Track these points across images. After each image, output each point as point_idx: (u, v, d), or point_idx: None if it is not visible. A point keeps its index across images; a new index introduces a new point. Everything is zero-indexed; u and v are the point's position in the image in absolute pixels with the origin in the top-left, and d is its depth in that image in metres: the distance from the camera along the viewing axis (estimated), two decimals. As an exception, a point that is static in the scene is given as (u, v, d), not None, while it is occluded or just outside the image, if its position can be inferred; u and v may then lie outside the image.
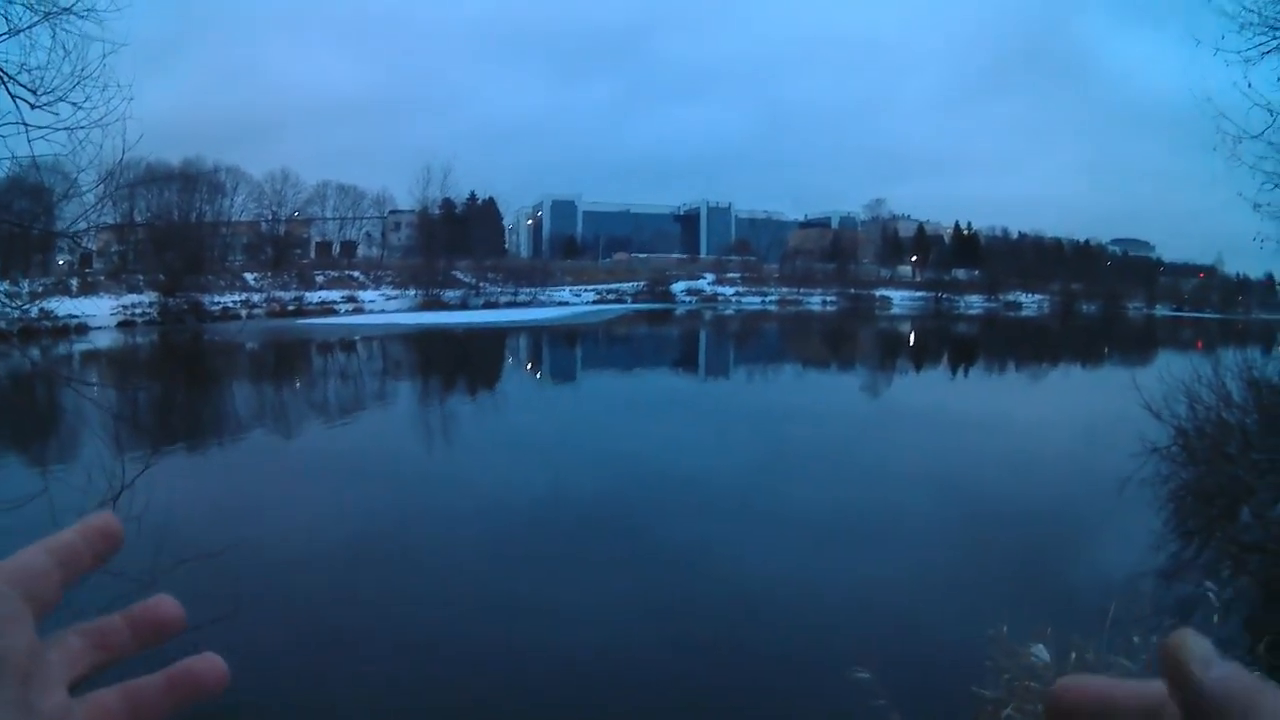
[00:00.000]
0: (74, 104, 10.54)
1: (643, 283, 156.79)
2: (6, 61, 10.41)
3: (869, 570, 14.87)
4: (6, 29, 10.37)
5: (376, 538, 17.30)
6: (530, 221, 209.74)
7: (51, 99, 10.51)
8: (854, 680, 6.83)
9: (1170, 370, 21.50)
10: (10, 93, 10.41)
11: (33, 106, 10.49)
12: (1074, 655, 6.39)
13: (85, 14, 10.40)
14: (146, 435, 25.14)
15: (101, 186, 12.22)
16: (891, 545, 16.54)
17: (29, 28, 10.37)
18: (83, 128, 10.59)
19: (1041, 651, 6.43)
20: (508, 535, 17.71)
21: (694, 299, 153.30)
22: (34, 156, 11.01)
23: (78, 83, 10.53)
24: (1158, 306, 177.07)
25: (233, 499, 20.37)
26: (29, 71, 10.48)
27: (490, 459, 25.87)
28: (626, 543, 17.19)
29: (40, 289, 74.60)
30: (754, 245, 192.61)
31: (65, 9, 10.36)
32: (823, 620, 12.80)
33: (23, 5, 10.32)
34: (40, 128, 10.53)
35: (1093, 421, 30.32)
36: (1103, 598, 7.87)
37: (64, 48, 10.47)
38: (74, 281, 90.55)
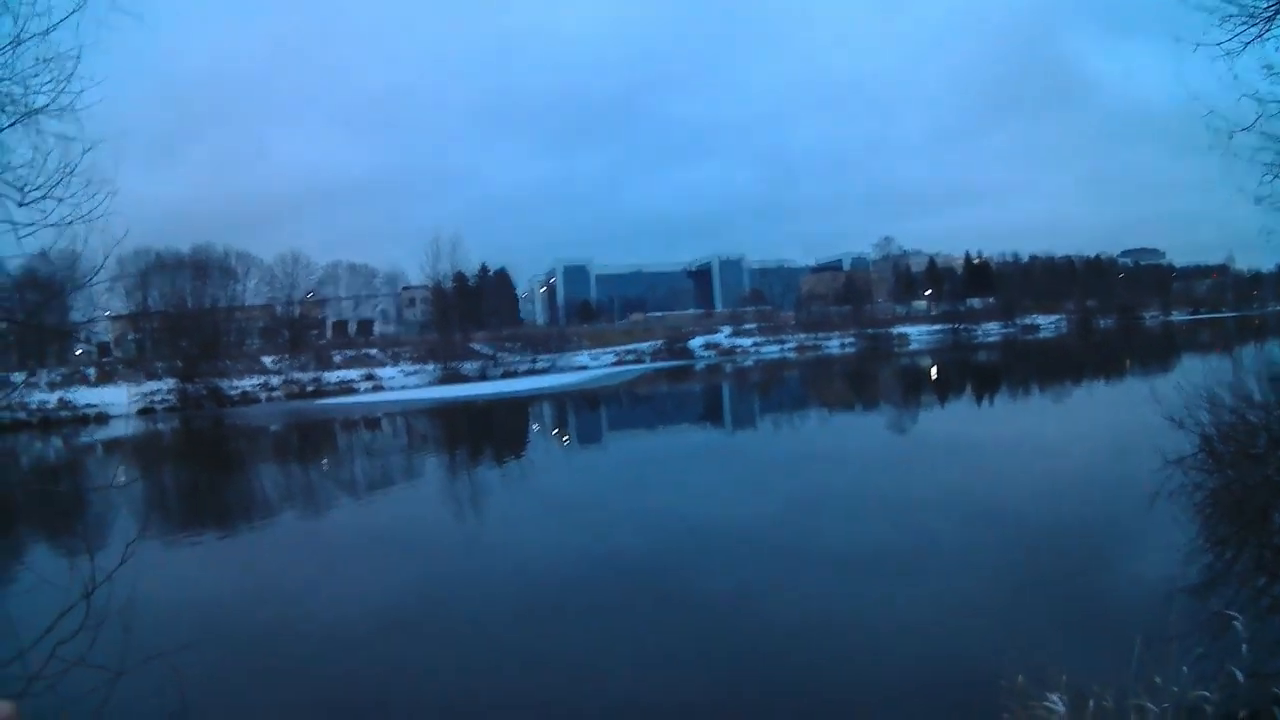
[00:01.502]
0: (59, 199, 10.55)
1: (660, 341, 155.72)
2: (-11, 164, 10.43)
3: (890, 610, 14.63)
4: (-14, 131, 10.38)
5: (418, 609, 17.24)
6: (544, 289, 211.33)
7: (38, 196, 10.52)
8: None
9: (1190, 377, 21.33)
10: (-3, 192, 10.42)
11: (19, 204, 10.49)
12: (1091, 704, 6.22)
13: (59, 113, 10.40)
14: (149, 521, 25.16)
15: (109, 279, 12.31)
16: (912, 577, 16.32)
17: (5, 128, 10.36)
18: (70, 223, 10.61)
19: (1057, 703, 6.27)
20: (547, 596, 17.52)
21: (712, 353, 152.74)
22: (24, 255, 11.05)
23: (60, 180, 10.53)
24: (1174, 312, 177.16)
25: (270, 578, 20.44)
26: (13, 170, 10.50)
27: (525, 524, 25.61)
28: (662, 597, 16.99)
29: (58, 379, 75.13)
30: (768, 294, 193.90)
31: (37, 110, 10.37)
32: (842, 666, 12.65)
33: (-1, 108, 10.33)
34: (28, 225, 10.54)
35: (1115, 437, 30.11)
36: (1131, 620, 7.75)
37: (43, 147, 10.49)
38: (92, 371, 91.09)
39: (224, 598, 18.76)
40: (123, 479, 38.87)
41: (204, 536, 25.98)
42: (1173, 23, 15.73)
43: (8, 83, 10.49)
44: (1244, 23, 14.52)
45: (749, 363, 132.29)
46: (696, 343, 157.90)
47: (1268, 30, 14.52)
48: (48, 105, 10.45)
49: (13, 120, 10.41)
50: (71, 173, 10.58)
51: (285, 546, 24.83)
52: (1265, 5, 14.49)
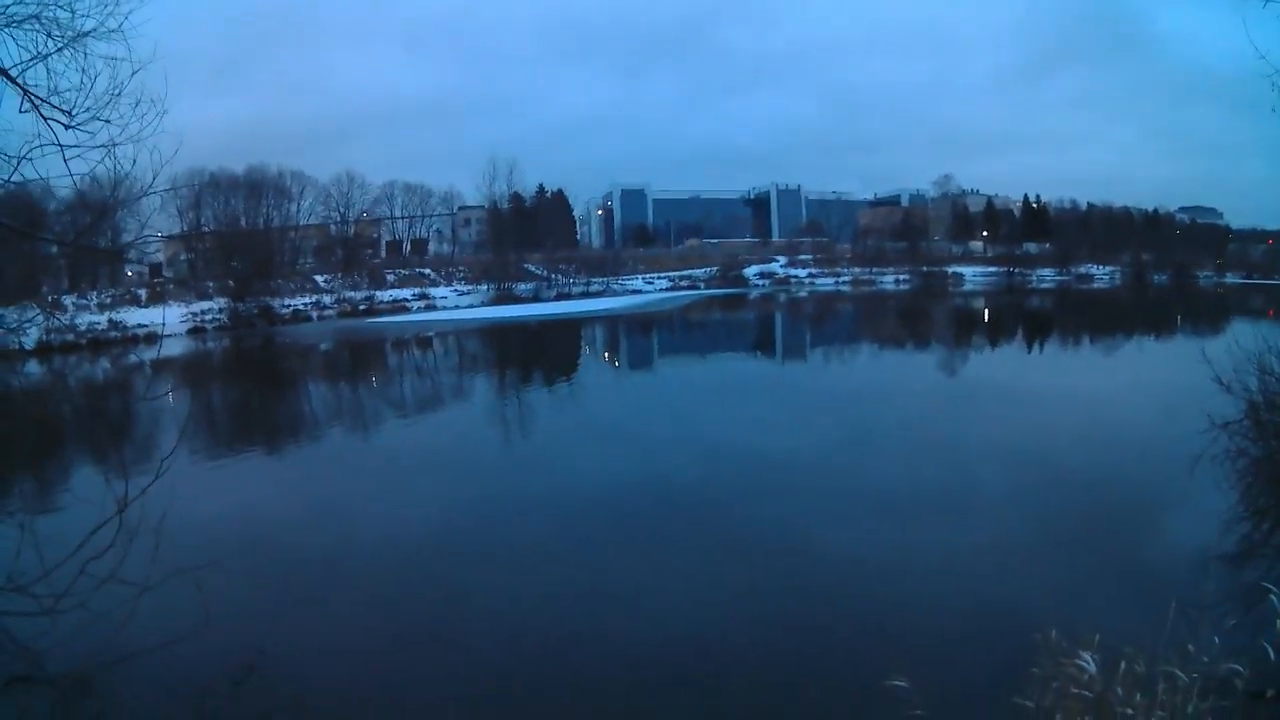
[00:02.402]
0: (106, 122, 10.56)
1: (715, 268, 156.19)
2: (37, 87, 10.42)
3: (925, 554, 14.67)
4: (34, 55, 10.36)
5: (454, 532, 17.45)
6: (600, 212, 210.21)
7: (84, 119, 10.54)
8: (890, 690, 6.64)
9: (1240, 340, 21.09)
10: (44, 115, 10.43)
11: (66, 127, 10.51)
12: (1123, 666, 6.15)
13: (107, 36, 10.38)
14: (184, 439, 25.28)
15: (161, 200, 12.41)
16: (950, 527, 16.31)
17: (55, 52, 10.37)
18: (117, 144, 10.62)
19: (1089, 662, 6.20)
20: (585, 520, 17.86)
21: (767, 282, 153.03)
22: (73, 175, 11.05)
23: (109, 102, 10.54)
24: (1228, 274, 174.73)
25: (307, 497, 20.66)
26: (60, 94, 10.50)
27: (576, 447, 26.04)
28: (699, 525, 17.26)
29: (109, 299, 75.43)
30: (825, 226, 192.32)
31: (86, 33, 10.36)
32: (868, 609, 12.69)
33: (45, 33, 10.31)
34: (75, 147, 10.56)
35: (1163, 395, 30.04)
36: (1166, 584, 7.68)
37: (91, 70, 10.48)
38: (143, 292, 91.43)
39: (256, 516, 18.95)
40: (159, 395, 39.09)
41: (243, 455, 26.17)
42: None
43: (53, 7, 10.48)
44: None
45: (803, 294, 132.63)
46: (751, 271, 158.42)
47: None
48: (95, 29, 10.43)
49: (60, 45, 10.41)
50: (119, 94, 10.62)
51: (325, 465, 25.11)
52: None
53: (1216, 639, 6.46)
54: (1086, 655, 6.21)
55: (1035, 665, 6.45)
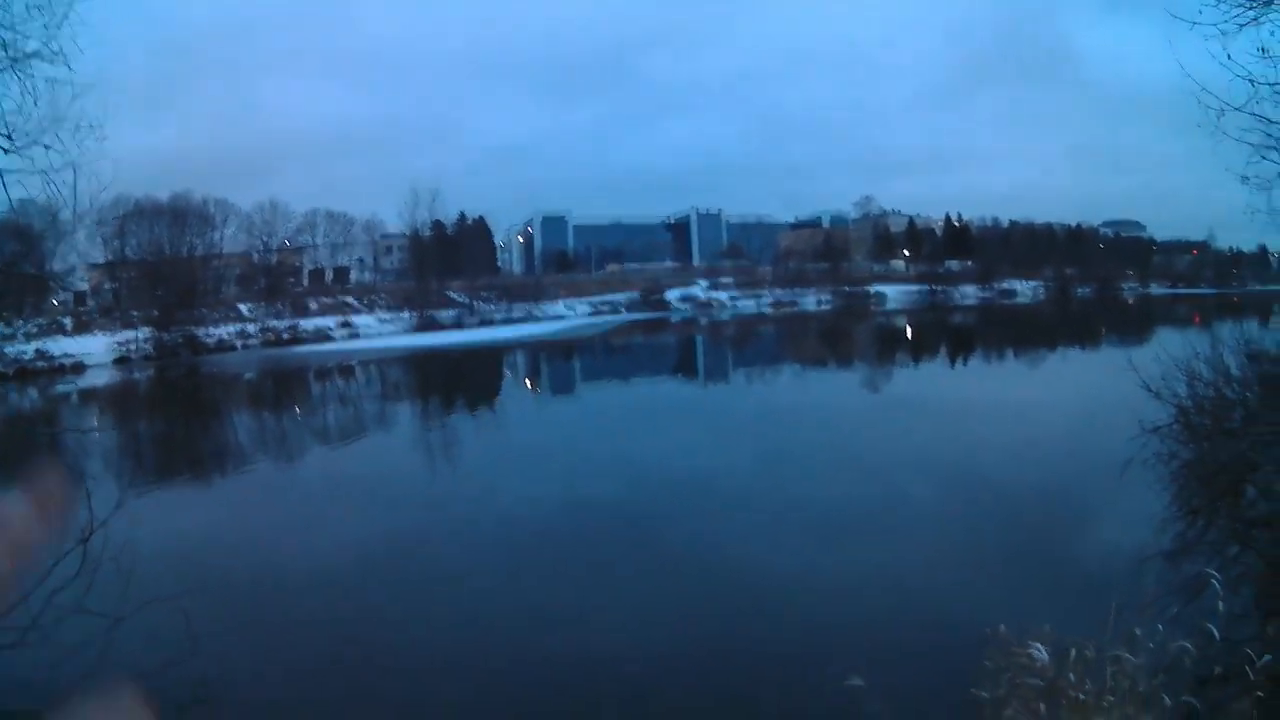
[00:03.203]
0: (46, 146, 10.52)
1: (637, 293, 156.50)
2: (-25, 109, 10.40)
3: (869, 561, 14.88)
4: (-24, 76, 10.35)
5: (388, 557, 17.34)
6: (521, 238, 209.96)
7: (25, 143, 10.49)
8: (847, 689, 6.76)
9: (1167, 348, 21.45)
10: (-15, 139, 10.40)
11: (6, 152, 10.47)
12: (1073, 653, 6.30)
13: (51, 58, 10.38)
14: (134, 472, 25.17)
15: (86, 225, 12.32)
16: (889, 537, 16.52)
17: (-2, 74, 10.34)
18: (57, 170, 10.58)
19: (1041, 651, 6.35)
20: (513, 545, 17.71)
21: (689, 306, 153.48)
22: (12, 201, 11.02)
23: (49, 126, 10.51)
24: (1152, 285, 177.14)
25: (245, 525, 20.47)
26: (1, 117, 10.47)
27: (497, 474, 25.90)
28: (627, 546, 17.32)
29: (35, 329, 74.67)
30: (746, 249, 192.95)
31: (30, 54, 10.33)
32: (817, 620, 12.75)
33: (-10, 53, 10.31)
34: (14, 172, 10.52)
35: (1091, 403, 30.33)
36: (1106, 583, 7.84)
37: (33, 92, 10.45)
38: (68, 321, 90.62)
39: (207, 546, 18.74)
40: (97, 427, 38.87)
41: (181, 486, 25.99)
42: (1168, 1, 15.77)
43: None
44: (1240, 4, 14.58)
45: (725, 316, 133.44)
46: (673, 295, 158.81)
47: (1264, 14, 14.59)
48: (39, 50, 10.41)
49: (3, 66, 10.38)
50: (60, 119, 10.56)
51: (259, 497, 24.85)
52: (1263, -12, 14.57)
53: (1160, 626, 6.64)
54: (1037, 645, 6.37)
55: (987, 659, 6.59)
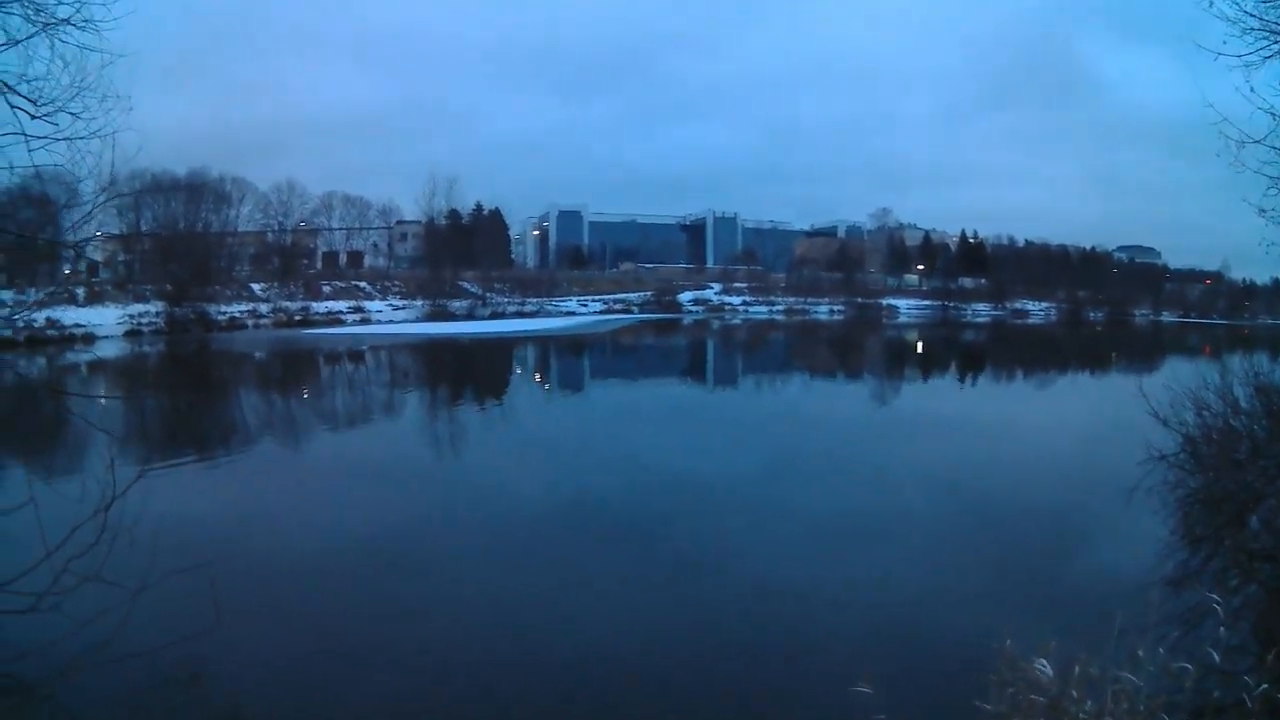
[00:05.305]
0: (73, 114, 10.53)
1: (649, 293, 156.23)
2: (5, 72, 10.39)
3: (874, 578, 14.74)
4: (5, 40, 10.34)
5: (388, 545, 17.15)
6: (536, 232, 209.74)
7: (51, 110, 10.51)
8: (855, 696, 6.75)
9: (1177, 377, 21.45)
10: (10, 104, 10.41)
11: (32, 117, 10.50)
12: (1077, 670, 6.30)
13: (83, 25, 10.38)
14: (148, 445, 25.15)
15: (103, 195, 12.23)
16: (898, 552, 16.42)
17: (27, 39, 10.34)
18: (82, 138, 10.57)
19: (1045, 667, 6.35)
20: (514, 538, 17.58)
21: (701, 309, 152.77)
22: (36, 167, 11.02)
23: (76, 93, 10.52)
24: (1164, 313, 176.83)
25: (241, 507, 20.33)
26: (29, 82, 10.47)
27: (502, 468, 25.56)
28: (631, 545, 17.25)
29: (45, 298, 74.60)
30: (760, 255, 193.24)
31: (63, 20, 10.34)
32: (825, 630, 12.63)
33: (21, 16, 10.29)
34: (40, 138, 10.53)
35: (1100, 429, 30.41)
36: (1109, 606, 7.81)
37: (62, 59, 10.46)
38: (81, 291, 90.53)
39: (206, 523, 18.65)
40: (104, 397, 38.76)
41: (189, 461, 25.86)
42: (1191, 26, 15.73)
43: (34, -7, 10.45)
44: (1265, 37, 14.55)
45: (737, 321, 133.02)
46: (686, 297, 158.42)
47: (1290, 47, 14.58)
48: (71, 16, 10.41)
49: (35, 30, 10.37)
50: (87, 87, 10.56)
51: (264, 476, 24.49)
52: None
53: (1162, 650, 6.64)
54: (1042, 661, 6.37)
55: (991, 673, 6.59)
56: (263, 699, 10.44)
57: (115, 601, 10.64)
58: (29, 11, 10.31)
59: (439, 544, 17.55)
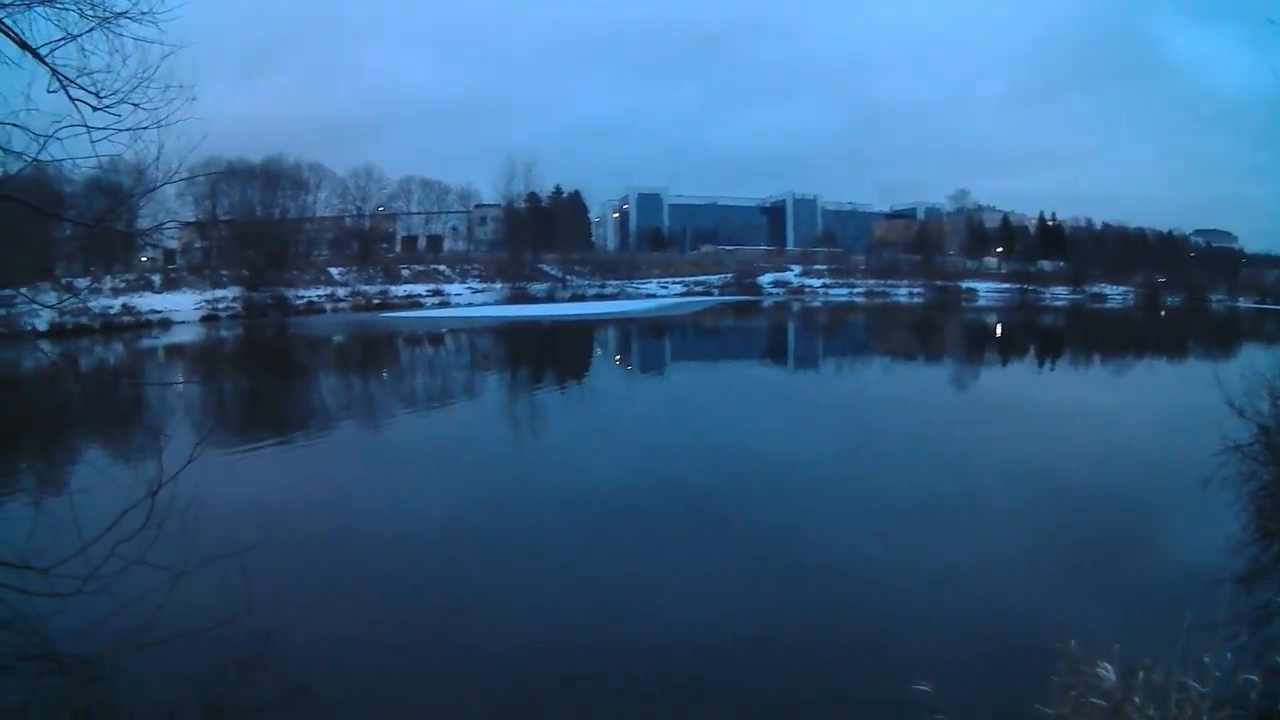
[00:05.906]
0: (135, 105, 10.54)
1: (729, 275, 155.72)
2: (66, 66, 10.40)
3: (942, 565, 14.69)
4: (63, 35, 10.35)
5: (473, 525, 17.52)
6: (616, 214, 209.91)
7: (113, 101, 10.52)
8: (914, 694, 6.66)
9: (1254, 365, 21.10)
10: (71, 96, 10.42)
11: (94, 109, 10.50)
12: (1141, 675, 6.16)
13: (140, 18, 10.38)
14: (214, 427, 25.38)
15: (162, 181, 12.29)
16: (968, 539, 16.42)
17: (85, 33, 10.34)
18: (144, 128, 10.61)
19: (1108, 670, 6.22)
20: (593, 520, 17.89)
21: (781, 291, 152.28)
22: (105, 157, 11.07)
23: (138, 85, 10.52)
24: (1240, 299, 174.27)
25: (325, 486, 20.68)
26: (89, 75, 10.49)
27: (584, 450, 25.87)
28: (707, 528, 17.31)
29: (122, 285, 75.37)
30: (840, 237, 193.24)
31: (119, 14, 10.34)
32: (890, 619, 12.64)
33: (77, 11, 10.29)
34: (102, 129, 10.55)
35: (1175, 417, 30.20)
36: (1178, 604, 7.67)
37: (122, 51, 10.47)
38: (157, 278, 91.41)
39: (278, 503, 18.87)
40: (182, 382, 39.13)
41: (264, 446, 25.99)
42: (1269, 9, 15.50)
43: (88, -13, 10.45)
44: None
45: (817, 303, 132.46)
46: (766, 279, 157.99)
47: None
48: (128, 10, 10.42)
49: (91, 25, 10.38)
50: (149, 78, 10.57)
51: (342, 459, 24.84)
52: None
53: (1229, 654, 6.50)
54: (1105, 665, 6.24)
55: (1054, 674, 6.47)
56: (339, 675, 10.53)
57: (159, 584, 10.83)
58: (83, 7, 10.32)
59: (523, 522, 17.76)
